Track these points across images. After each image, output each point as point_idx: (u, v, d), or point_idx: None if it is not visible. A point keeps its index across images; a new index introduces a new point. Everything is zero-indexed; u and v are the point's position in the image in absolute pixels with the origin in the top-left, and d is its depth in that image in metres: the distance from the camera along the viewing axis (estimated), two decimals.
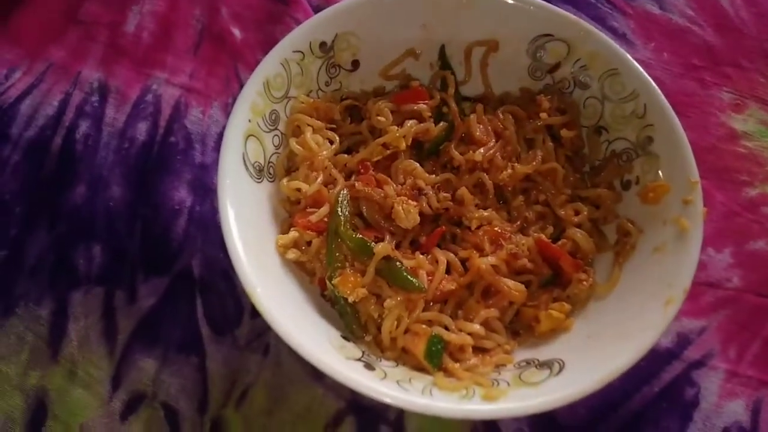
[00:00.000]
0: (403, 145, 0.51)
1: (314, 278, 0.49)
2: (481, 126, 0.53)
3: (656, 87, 0.50)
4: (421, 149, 0.54)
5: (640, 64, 0.52)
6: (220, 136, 0.62)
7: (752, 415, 0.52)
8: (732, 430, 0.52)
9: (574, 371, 0.42)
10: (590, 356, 0.43)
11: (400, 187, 0.51)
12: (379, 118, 0.53)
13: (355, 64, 0.55)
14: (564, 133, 0.53)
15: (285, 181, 0.50)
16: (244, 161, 0.47)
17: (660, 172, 0.49)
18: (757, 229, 0.60)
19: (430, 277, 0.47)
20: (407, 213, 0.49)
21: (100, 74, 0.65)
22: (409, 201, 0.50)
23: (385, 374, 0.42)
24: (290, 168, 0.52)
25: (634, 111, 0.51)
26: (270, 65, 0.49)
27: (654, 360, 0.53)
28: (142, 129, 0.63)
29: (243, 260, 0.42)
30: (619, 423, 0.52)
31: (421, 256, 0.49)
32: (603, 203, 0.52)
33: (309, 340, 0.41)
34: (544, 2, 0.53)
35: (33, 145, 0.62)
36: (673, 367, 0.54)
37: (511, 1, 0.53)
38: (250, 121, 0.48)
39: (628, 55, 0.52)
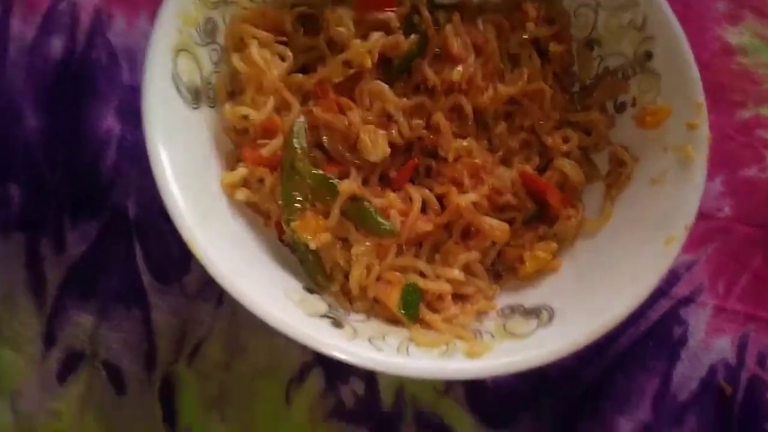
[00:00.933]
0: (368, 63, 0.44)
1: (269, 221, 0.43)
2: (459, 39, 0.46)
3: None
4: (389, 67, 0.46)
5: None
6: None
7: (738, 351, 0.51)
8: (718, 366, 0.50)
9: (565, 320, 0.38)
10: (582, 303, 0.39)
11: (366, 112, 0.44)
12: (338, 29, 0.45)
13: None
14: (553, 47, 0.47)
15: (228, 106, 0.42)
16: (175, 82, 0.39)
17: (660, 92, 0.44)
18: (750, 155, 0.56)
19: (403, 218, 0.41)
20: (375, 143, 0.42)
21: None
22: (377, 129, 0.43)
23: (356, 331, 0.37)
24: (234, 90, 0.44)
25: (631, 21, 0.45)
26: None
27: None
28: (56, 44, 0.53)
29: (180, 206, 0.35)
30: (605, 365, 0.49)
31: (392, 193, 0.43)
32: (594, 128, 0.47)
33: (265, 296, 0.35)
34: None
35: None
36: (660, 305, 0.51)
37: None
38: (180, 32, 0.39)
39: None
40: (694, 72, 0.43)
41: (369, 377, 0.47)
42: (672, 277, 0.51)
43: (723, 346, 0.50)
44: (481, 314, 0.41)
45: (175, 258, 0.49)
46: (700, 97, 0.42)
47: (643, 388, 0.49)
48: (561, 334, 0.37)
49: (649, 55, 0.45)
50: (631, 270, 0.39)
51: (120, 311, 0.48)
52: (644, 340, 0.50)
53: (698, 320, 0.51)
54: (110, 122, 0.51)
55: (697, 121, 0.42)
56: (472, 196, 0.43)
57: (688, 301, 0.51)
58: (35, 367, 0.47)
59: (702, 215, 0.53)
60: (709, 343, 0.50)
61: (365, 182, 0.43)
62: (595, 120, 0.46)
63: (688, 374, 0.50)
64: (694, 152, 0.41)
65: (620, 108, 0.46)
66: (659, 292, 0.51)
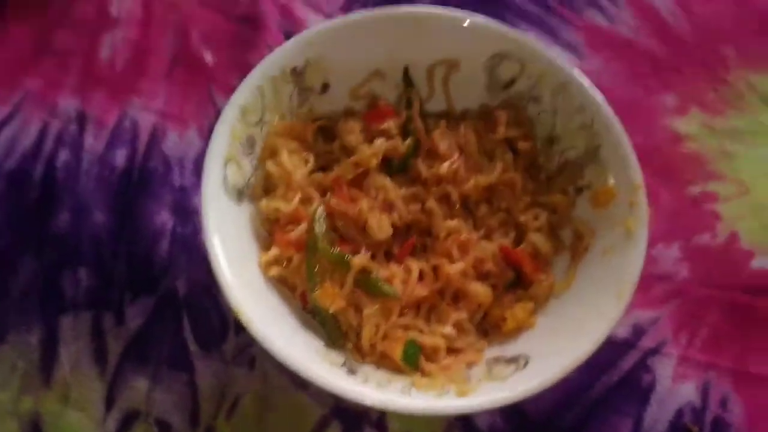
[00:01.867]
0: (374, 163, 0.55)
1: (296, 293, 0.52)
2: (445, 141, 0.57)
3: (602, 99, 0.54)
4: (390, 165, 0.57)
5: (590, 75, 0.55)
6: (198, 159, 0.65)
7: (702, 394, 0.57)
8: (685, 410, 0.57)
9: (538, 364, 0.46)
10: (552, 350, 0.47)
11: (372, 201, 0.54)
12: (349, 137, 0.56)
13: (325, 87, 0.58)
14: (521, 145, 0.57)
15: (264, 201, 0.53)
16: (224, 184, 0.50)
17: (609, 177, 0.54)
18: (702, 224, 0.65)
19: (404, 285, 0.51)
20: (380, 225, 0.52)
21: (77, 102, 0.67)
22: (382, 214, 0.53)
23: (366, 377, 0.46)
24: (267, 188, 0.55)
25: (582, 123, 0.55)
26: (246, 92, 0.52)
27: (612, 350, 0.58)
28: (121, 155, 0.64)
29: (229, 282, 0.45)
30: (582, 410, 0.56)
31: (395, 265, 0.52)
32: (559, 208, 0.56)
33: (295, 351, 0.44)
34: (498, 24, 0.57)
35: (15, 174, 0.63)
36: (630, 356, 0.58)
37: (466, 25, 0.56)
38: (229, 145, 0.51)
39: (575, 72, 0.55)
40: (633, 160, 0.52)
41: (380, 425, 0.55)
42: (639, 332, 0.59)
43: (688, 391, 0.57)
44: (470, 364, 0.49)
45: (215, 329, 0.57)
46: (638, 180, 0.51)
47: (617, 429, 0.56)
48: (534, 375, 0.45)
49: (598, 148, 0.54)
50: (590, 320, 0.47)
51: (170, 375, 0.55)
52: (616, 387, 0.57)
53: (665, 369, 0.58)
54: (164, 218, 0.61)
55: (636, 200, 0.51)
56: (460, 266, 0.52)
57: (654, 352, 0.58)
58: (97, 426, 0.54)
59: (662, 277, 0.62)
60: (675, 389, 0.57)
61: (373, 257, 0.53)
62: (558, 201, 0.56)
63: (657, 417, 0.56)
64: (634, 225, 0.50)
65: (579, 191, 0.56)
66: (628, 345, 0.59)
